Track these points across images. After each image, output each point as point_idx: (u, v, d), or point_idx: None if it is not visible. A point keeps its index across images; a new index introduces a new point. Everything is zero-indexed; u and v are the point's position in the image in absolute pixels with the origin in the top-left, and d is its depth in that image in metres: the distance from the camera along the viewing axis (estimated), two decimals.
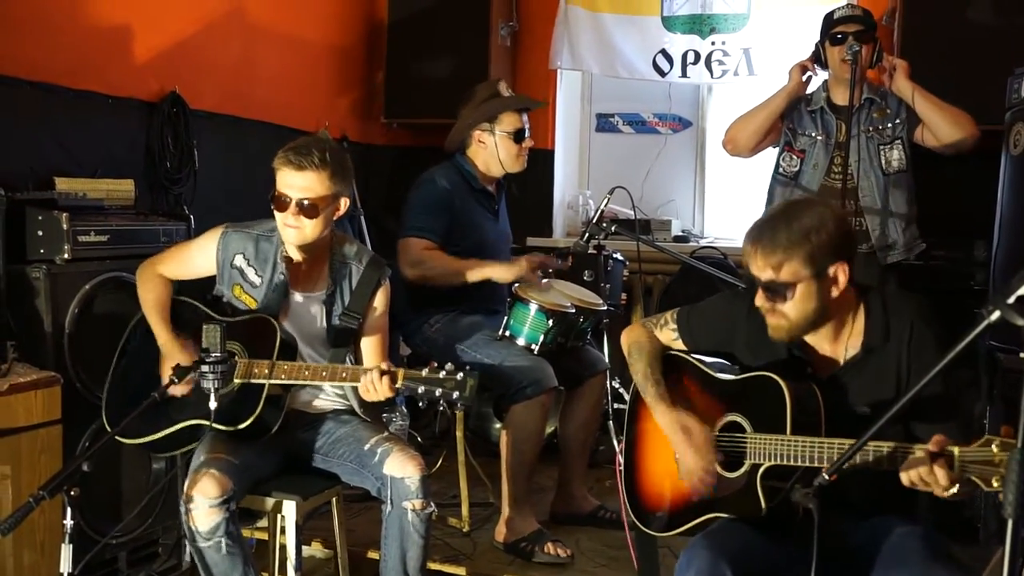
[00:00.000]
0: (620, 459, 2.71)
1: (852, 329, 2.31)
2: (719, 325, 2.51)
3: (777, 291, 2.23)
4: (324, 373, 2.75)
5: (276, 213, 2.86)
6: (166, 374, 2.76)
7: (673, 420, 2.43)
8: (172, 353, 2.86)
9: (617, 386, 4.77)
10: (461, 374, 2.62)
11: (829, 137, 3.84)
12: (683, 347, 2.58)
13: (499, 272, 3.65)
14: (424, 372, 2.64)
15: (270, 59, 4.79)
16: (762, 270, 2.23)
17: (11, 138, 3.40)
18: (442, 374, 2.62)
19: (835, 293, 2.24)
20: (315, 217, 2.84)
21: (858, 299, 2.31)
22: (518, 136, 3.79)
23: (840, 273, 2.23)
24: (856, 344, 2.30)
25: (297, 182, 2.81)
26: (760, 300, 2.27)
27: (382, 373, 2.66)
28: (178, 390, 2.75)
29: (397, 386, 2.67)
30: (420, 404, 2.67)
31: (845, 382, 2.29)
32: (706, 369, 2.50)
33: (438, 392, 2.61)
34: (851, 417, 2.23)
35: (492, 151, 3.79)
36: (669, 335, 2.61)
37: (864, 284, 2.35)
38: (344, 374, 2.75)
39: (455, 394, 2.60)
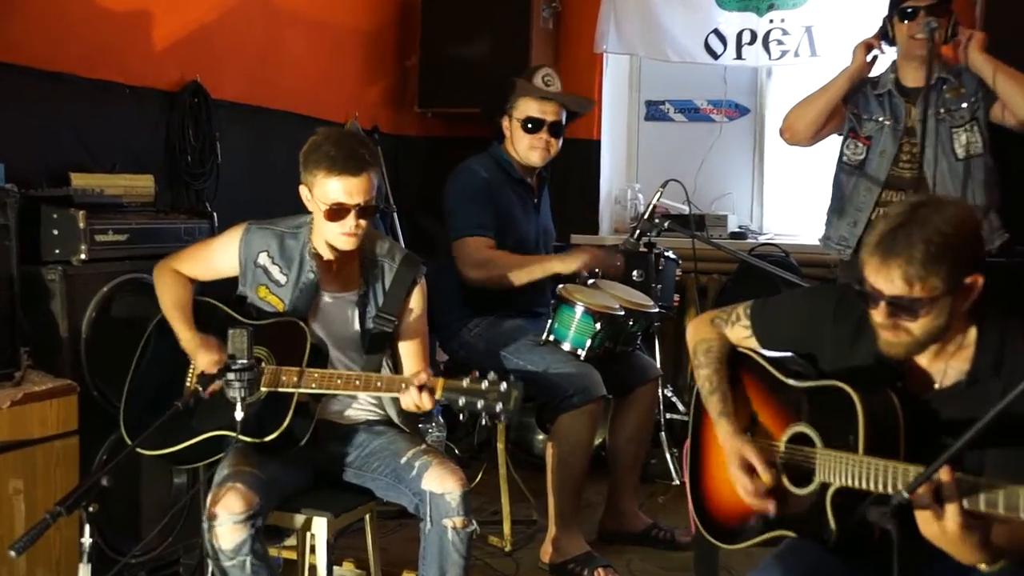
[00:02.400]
0: (687, 458, 2.68)
1: (959, 350, 2.19)
2: (800, 325, 2.45)
3: (907, 307, 2.11)
4: (358, 382, 2.75)
5: (329, 224, 2.87)
6: (192, 374, 2.78)
7: (735, 450, 2.38)
8: (197, 352, 2.87)
9: (670, 394, 4.79)
10: (505, 384, 2.60)
11: (897, 122, 3.77)
12: (755, 345, 2.53)
13: (564, 264, 3.69)
14: (464, 382, 2.63)
15: (296, 45, 4.81)
16: (891, 284, 2.10)
17: (24, 131, 3.42)
18: (484, 384, 2.61)
19: (965, 306, 2.13)
20: (372, 217, 2.90)
21: (970, 317, 2.18)
22: (532, 126, 3.78)
23: (975, 285, 2.11)
24: (959, 369, 2.19)
25: (357, 187, 2.83)
26: (880, 316, 2.15)
27: (420, 388, 2.66)
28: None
29: (436, 397, 2.67)
30: (460, 416, 2.67)
31: (937, 408, 2.19)
32: (775, 372, 2.45)
33: (479, 404, 2.60)
34: (936, 448, 2.13)
35: (510, 139, 3.84)
36: (741, 332, 2.55)
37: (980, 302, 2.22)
38: (379, 383, 2.74)
39: (498, 406, 2.58)
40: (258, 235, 3.01)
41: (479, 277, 3.66)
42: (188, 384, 2.91)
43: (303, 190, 2.92)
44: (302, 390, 2.76)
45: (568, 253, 3.76)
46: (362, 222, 2.86)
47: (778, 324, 2.50)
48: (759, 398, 2.47)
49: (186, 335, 2.92)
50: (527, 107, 3.79)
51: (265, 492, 2.68)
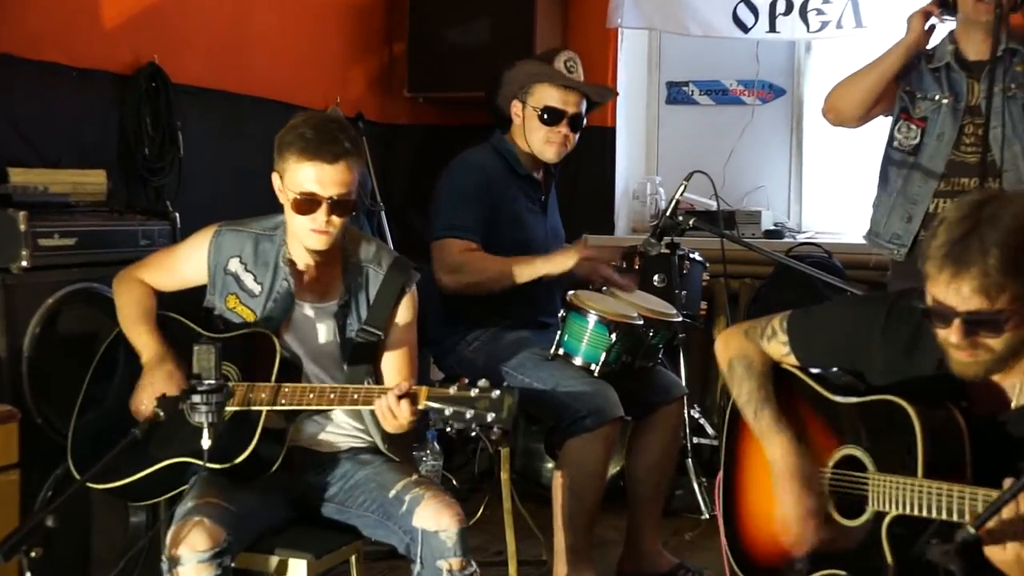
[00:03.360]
0: (719, 488, 2.68)
1: None
2: (846, 339, 2.44)
3: (988, 323, 2.08)
4: (332, 395, 2.75)
5: (297, 217, 2.86)
6: (144, 395, 2.78)
7: (794, 469, 2.38)
8: (156, 369, 2.86)
9: (697, 415, 4.78)
10: (497, 391, 2.60)
11: (958, 100, 3.73)
12: (795, 362, 2.54)
13: (552, 264, 3.67)
14: (451, 390, 2.64)
15: (269, 21, 4.82)
16: (966, 300, 2.07)
17: None
18: (473, 392, 2.61)
19: None
20: (348, 215, 2.89)
21: None
22: (550, 117, 3.77)
23: None
24: None
25: (332, 176, 2.82)
26: (955, 336, 2.11)
27: (400, 395, 2.66)
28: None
29: (419, 407, 2.66)
30: (449, 430, 2.67)
31: (1010, 430, 2.17)
32: (818, 387, 2.46)
33: (468, 414, 2.59)
34: (1010, 472, 2.09)
35: (520, 128, 3.83)
36: (779, 348, 2.55)
37: None
38: (356, 395, 2.75)
39: (490, 416, 2.58)
40: (229, 238, 3.02)
41: (452, 283, 3.66)
42: (145, 406, 2.88)
43: (275, 177, 2.92)
44: (273, 408, 2.76)
45: (558, 252, 3.75)
46: (335, 218, 2.85)
47: (821, 338, 2.50)
48: (801, 418, 2.47)
49: (148, 344, 2.92)
50: (546, 95, 3.77)
51: (234, 527, 2.66)
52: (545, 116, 3.76)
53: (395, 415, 2.67)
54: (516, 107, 3.82)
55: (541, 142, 3.78)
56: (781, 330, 2.54)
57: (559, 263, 3.67)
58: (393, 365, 3.02)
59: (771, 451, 2.44)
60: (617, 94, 4.84)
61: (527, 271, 3.65)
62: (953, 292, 2.07)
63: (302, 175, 2.82)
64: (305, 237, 2.88)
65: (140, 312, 2.98)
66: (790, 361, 2.54)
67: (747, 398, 2.52)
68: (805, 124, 5.63)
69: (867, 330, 2.38)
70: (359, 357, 2.97)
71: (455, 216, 3.70)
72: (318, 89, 5.08)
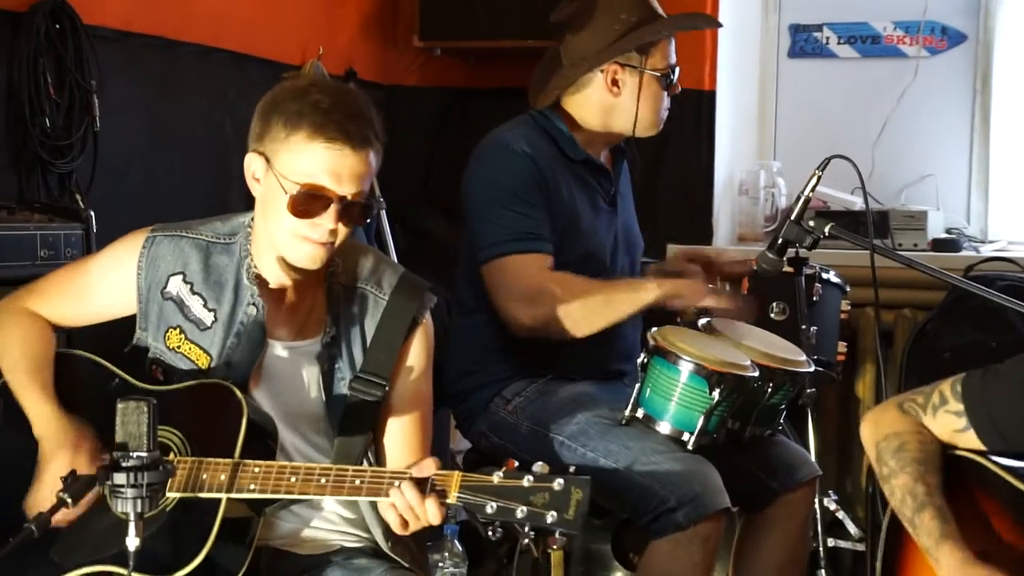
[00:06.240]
0: None
1: None
2: None
3: None
4: (323, 480, 2.74)
5: (292, 220, 2.84)
6: (46, 489, 2.77)
7: None
8: (59, 447, 2.86)
9: (834, 507, 4.78)
10: (560, 480, 2.59)
11: None
12: (976, 443, 2.55)
13: (662, 289, 3.63)
14: (495, 478, 2.63)
15: None
16: None
17: None
18: (527, 480, 2.60)
19: None
20: (360, 222, 2.91)
21: None
22: (669, 78, 3.85)
23: None
24: None
25: (353, 168, 2.83)
26: None
27: (419, 483, 2.66)
28: (70, 514, 2.76)
29: (449, 502, 2.67)
30: (490, 534, 2.66)
31: None
32: (1016, 482, 2.47)
33: (520, 512, 2.59)
34: None
35: (627, 100, 3.84)
36: (950, 423, 2.57)
37: None
38: (358, 481, 2.73)
39: (550, 515, 2.57)
40: (168, 248, 3.03)
41: (531, 321, 3.63)
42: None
43: (254, 161, 2.90)
44: (234, 495, 2.75)
45: (672, 276, 3.75)
46: (343, 228, 2.85)
47: (1013, 409, 2.50)
48: (990, 527, 2.48)
49: (43, 412, 2.91)
50: (665, 49, 3.86)
51: None
52: (667, 78, 3.84)
53: (416, 514, 2.68)
54: (619, 73, 3.85)
55: (656, 112, 3.88)
56: (954, 396, 2.57)
57: (680, 289, 3.66)
58: (401, 432, 3.04)
59: (940, 567, 2.45)
60: (720, 25, 4.84)
61: (630, 299, 3.66)
62: None
63: (312, 160, 2.80)
64: (294, 249, 2.87)
65: (31, 363, 2.97)
66: (967, 442, 2.55)
67: (900, 497, 2.55)
68: (994, 85, 5.63)
69: None
70: (353, 420, 2.98)
71: (517, 220, 3.71)
72: (292, 36, 5.10)
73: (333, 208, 2.81)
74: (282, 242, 2.88)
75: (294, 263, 2.89)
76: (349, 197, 2.81)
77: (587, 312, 3.63)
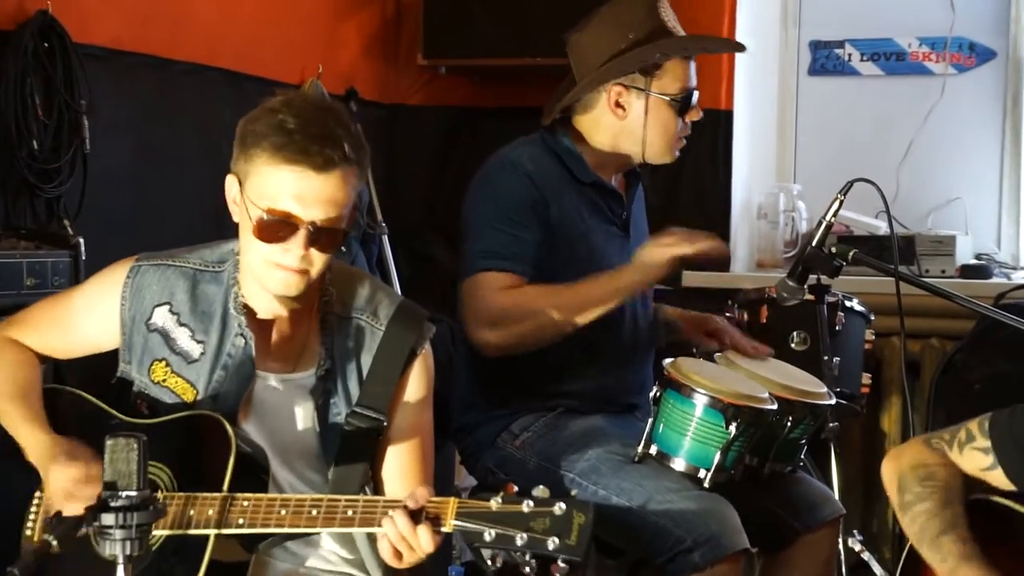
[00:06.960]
0: None
1: None
2: None
3: None
4: (315, 512, 2.74)
5: (260, 246, 2.83)
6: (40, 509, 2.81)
7: None
8: (53, 460, 2.84)
9: (858, 547, 4.79)
10: (562, 505, 2.58)
11: None
12: (1004, 482, 2.58)
13: (639, 271, 3.63)
14: (493, 503, 2.61)
15: None
16: None
17: None
18: (526, 506, 2.59)
19: None
20: (334, 250, 2.88)
21: None
22: (684, 103, 3.81)
23: None
24: None
25: (319, 191, 2.79)
26: None
27: (412, 512, 2.65)
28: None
29: (444, 530, 2.66)
30: (489, 566, 2.64)
31: None
32: None
33: (520, 539, 2.57)
34: None
35: (634, 124, 3.83)
36: (977, 460, 2.60)
37: None
38: (350, 511, 2.73)
39: (551, 542, 2.55)
40: (153, 278, 3.04)
41: (497, 340, 3.63)
42: (31, 531, 2.93)
43: (231, 183, 2.90)
44: (223, 531, 2.75)
45: (646, 247, 3.69)
46: (315, 253, 2.82)
47: None
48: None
49: (37, 439, 2.92)
50: (679, 72, 3.83)
51: None
52: (680, 102, 3.80)
53: (411, 544, 2.65)
54: (623, 94, 3.82)
55: (669, 140, 3.84)
56: (981, 433, 2.60)
57: (647, 264, 3.62)
58: (400, 466, 3.05)
59: None
60: (743, 48, 4.80)
61: (602, 292, 3.63)
62: None
63: (275, 184, 2.79)
64: (266, 275, 2.86)
65: (16, 391, 2.99)
66: (994, 478, 2.59)
67: (923, 522, 2.59)
68: None
69: None
70: (350, 453, 2.99)
71: (492, 239, 3.69)
72: (291, 54, 5.17)
73: (302, 234, 2.80)
74: (256, 269, 2.88)
75: (270, 291, 2.90)
76: (318, 222, 2.79)
77: (562, 310, 3.62)
